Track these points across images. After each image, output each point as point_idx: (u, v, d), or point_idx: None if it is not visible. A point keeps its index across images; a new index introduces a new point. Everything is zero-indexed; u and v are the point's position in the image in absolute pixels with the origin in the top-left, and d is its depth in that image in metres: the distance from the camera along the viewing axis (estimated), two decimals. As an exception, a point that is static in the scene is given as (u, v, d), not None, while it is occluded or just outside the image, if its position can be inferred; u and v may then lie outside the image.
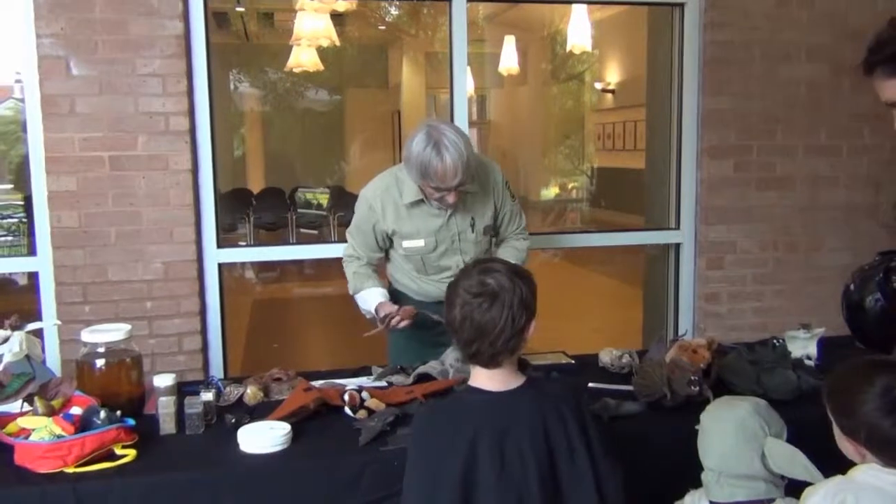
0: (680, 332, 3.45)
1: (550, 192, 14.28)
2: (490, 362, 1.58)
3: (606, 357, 2.45)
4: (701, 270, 3.64)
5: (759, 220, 3.63)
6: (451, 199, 2.35)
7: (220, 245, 3.22)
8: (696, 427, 1.71)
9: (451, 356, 2.28)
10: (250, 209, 9.12)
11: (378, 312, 2.46)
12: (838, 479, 1.43)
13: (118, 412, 1.85)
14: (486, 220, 2.55)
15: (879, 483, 1.38)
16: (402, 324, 2.39)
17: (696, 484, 1.71)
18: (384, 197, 2.48)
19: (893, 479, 1.39)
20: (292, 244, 7.66)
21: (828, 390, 1.52)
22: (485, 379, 1.60)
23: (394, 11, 11.02)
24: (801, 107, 3.60)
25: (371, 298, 2.51)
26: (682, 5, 3.56)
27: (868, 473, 1.40)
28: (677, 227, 3.69)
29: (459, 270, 1.72)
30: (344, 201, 8.83)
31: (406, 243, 2.51)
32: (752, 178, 3.60)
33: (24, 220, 7.58)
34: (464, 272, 1.63)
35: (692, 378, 2.02)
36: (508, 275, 1.57)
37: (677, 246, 3.71)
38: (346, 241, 2.66)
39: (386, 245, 2.59)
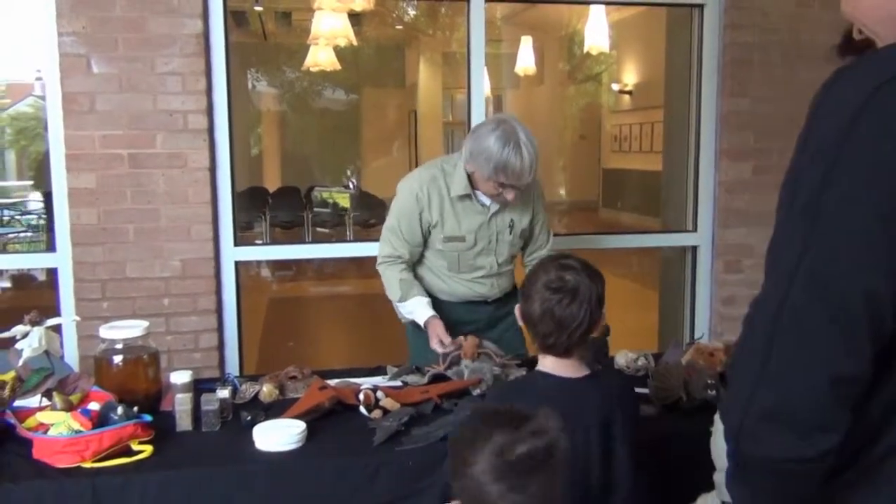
0: (696, 336, 3.43)
1: (566, 193, 14.25)
2: (564, 352, 1.65)
3: (622, 359, 2.44)
4: (718, 273, 3.62)
5: (778, 224, 3.59)
6: (510, 196, 2.38)
7: (236, 243, 3.23)
8: (710, 429, 1.70)
9: (466, 357, 2.28)
10: (266, 208, 9.16)
11: (439, 348, 2.36)
12: None
13: (135, 408, 1.86)
14: (523, 223, 2.57)
15: None
16: (466, 361, 2.29)
17: (711, 487, 1.69)
18: (430, 187, 2.47)
19: None
20: (308, 243, 7.67)
21: (449, 446, 1.31)
22: (554, 364, 1.66)
23: (411, 11, 11.04)
24: (822, 109, 3.56)
25: (419, 311, 2.46)
26: (701, 6, 3.53)
27: None
28: (694, 230, 3.66)
29: (536, 264, 1.78)
30: (361, 201, 8.86)
31: (447, 238, 2.49)
32: (770, 181, 3.56)
33: (44, 216, 7.67)
34: (541, 266, 1.70)
35: (709, 381, 2.01)
36: (585, 271, 1.65)
37: (694, 249, 3.69)
38: (363, 240, 2.64)
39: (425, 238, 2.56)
